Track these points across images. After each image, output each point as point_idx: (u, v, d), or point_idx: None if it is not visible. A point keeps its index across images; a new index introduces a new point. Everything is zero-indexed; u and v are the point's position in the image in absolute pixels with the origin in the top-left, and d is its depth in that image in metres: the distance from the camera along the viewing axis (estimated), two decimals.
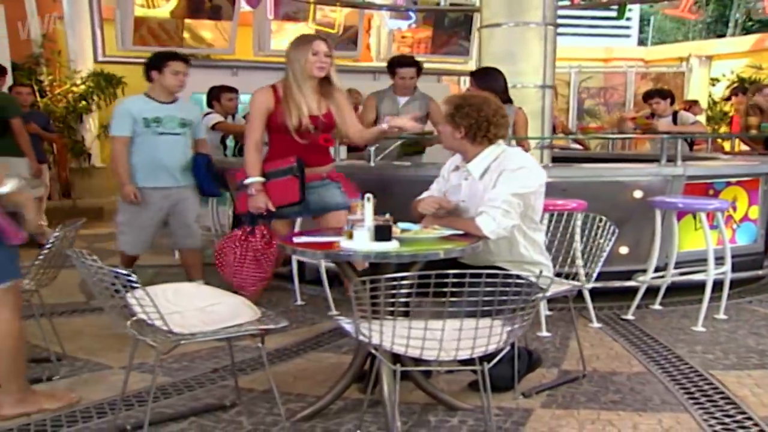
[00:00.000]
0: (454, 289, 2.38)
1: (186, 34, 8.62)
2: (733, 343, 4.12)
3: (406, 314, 2.83)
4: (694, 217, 5.00)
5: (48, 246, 3.52)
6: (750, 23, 21.50)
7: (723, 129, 12.34)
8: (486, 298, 2.41)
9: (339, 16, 9.70)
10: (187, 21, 8.63)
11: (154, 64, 4.56)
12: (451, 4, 9.60)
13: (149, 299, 2.60)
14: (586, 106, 13.49)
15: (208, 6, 8.75)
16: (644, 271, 4.70)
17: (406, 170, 5.09)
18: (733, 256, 4.65)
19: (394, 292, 2.47)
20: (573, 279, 3.83)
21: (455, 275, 2.35)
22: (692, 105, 9.81)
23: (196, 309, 2.90)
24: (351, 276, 3.02)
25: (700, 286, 4.54)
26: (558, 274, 3.62)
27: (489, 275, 2.39)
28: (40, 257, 3.55)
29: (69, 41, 10.87)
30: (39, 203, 6.77)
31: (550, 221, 4.10)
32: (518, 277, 2.52)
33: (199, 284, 3.66)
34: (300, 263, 4.97)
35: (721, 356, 3.89)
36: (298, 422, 3.01)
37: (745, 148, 7.77)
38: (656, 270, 4.67)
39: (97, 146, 10.92)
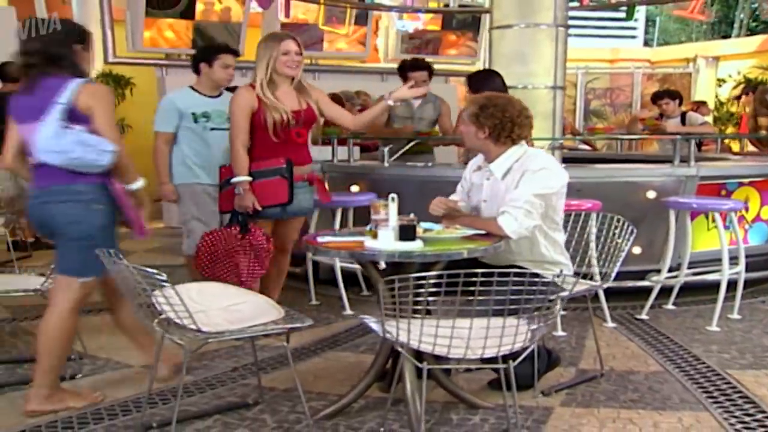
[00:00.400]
0: (479, 288, 2.41)
1: (195, 36, 8.63)
2: (748, 342, 4.14)
3: (428, 312, 2.85)
4: (707, 218, 5.03)
5: None
6: (755, 24, 21.53)
7: (730, 129, 12.35)
8: (512, 297, 2.44)
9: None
10: (197, 22, 8.65)
11: (204, 57, 4.39)
12: (460, 6, 9.61)
13: (178, 298, 2.62)
14: (592, 106, 13.51)
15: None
16: (658, 271, 4.73)
17: (420, 170, 5.12)
18: (745, 256, 4.67)
19: (421, 291, 2.49)
20: (588, 279, 3.85)
21: (482, 275, 2.38)
22: (700, 106, 9.83)
23: (219, 308, 2.91)
24: (374, 275, 3.04)
25: (712, 286, 4.57)
26: (575, 274, 3.64)
27: (516, 275, 2.42)
28: None
29: None
30: None
31: (566, 221, 4.10)
32: (542, 276, 2.55)
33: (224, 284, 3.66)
34: (315, 263, 5.00)
35: (737, 356, 3.91)
36: (321, 420, 3.04)
37: (752, 148, 7.79)
38: (669, 270, 4.71)
39: None
